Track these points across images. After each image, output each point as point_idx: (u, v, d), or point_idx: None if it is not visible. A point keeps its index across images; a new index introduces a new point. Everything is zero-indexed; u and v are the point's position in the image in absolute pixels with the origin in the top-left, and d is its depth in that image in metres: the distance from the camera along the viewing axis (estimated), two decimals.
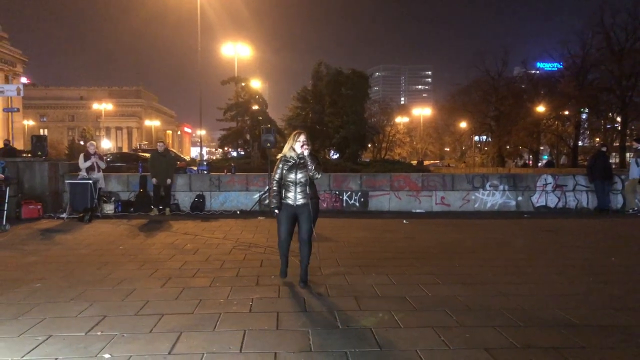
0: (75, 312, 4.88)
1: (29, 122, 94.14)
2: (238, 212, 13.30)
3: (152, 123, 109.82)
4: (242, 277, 6.35)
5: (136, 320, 4.66)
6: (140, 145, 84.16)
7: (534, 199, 13.92)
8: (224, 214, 13.09)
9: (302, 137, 5.77)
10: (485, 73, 53.09)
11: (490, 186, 13.89)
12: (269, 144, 13.03)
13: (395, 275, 6.39)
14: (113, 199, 13.26)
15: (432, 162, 74.10)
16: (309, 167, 5.67)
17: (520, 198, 13.90)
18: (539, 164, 54.87)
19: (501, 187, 13.88)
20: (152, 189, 13.05)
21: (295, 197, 5.80)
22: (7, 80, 62.58)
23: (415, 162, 50.58)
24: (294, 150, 5.82)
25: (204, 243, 8.80)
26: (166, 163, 12.84)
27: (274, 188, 5.89)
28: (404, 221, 11.68)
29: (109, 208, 13.07)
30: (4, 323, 4.60)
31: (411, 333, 4.34)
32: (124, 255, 7.75)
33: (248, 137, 31.97)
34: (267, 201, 13.14)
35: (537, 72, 57.52)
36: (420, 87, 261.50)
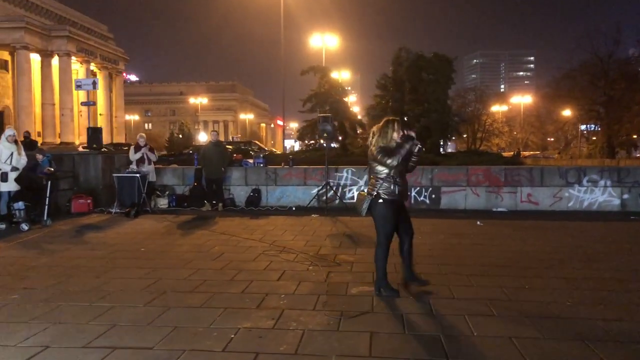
0: (18, 340, 3.99)
1: (135, 117, 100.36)
2: (293, 209, 12.23)
3: (247, 116, 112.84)
4: (247, 294, 5.21)
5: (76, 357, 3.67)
6: (233, 138, 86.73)
7: None
8: (278, 210, 12.08)
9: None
10: (594, 55, 47.86)
11: (588, 181, 11.69)
12: (325, 134, 11.83)
13: (442, 301, 4.94)
14: (167, 192, 12.76)
15: (532, 153, 69.05)
16: (414, 158, 5.26)
17: (626, 196, 11.58)
18: None
19: (602, 183, 11.63)
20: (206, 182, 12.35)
21: (402, 189, 5.17)
22: (110, 77, 66.61)
23: (512, 153, 46.93)
24: (393, 139, 5.14)
25: (235, 246, 7.79)
26: (219, 154, 12.09)
27: (385, 179, 5.10)
28: (478, 222, 9.98)
29: (162, 202, 12.57)
30: None
31: None
32: (139, 259, 6.93)
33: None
34: (324, 197, 11.99)
35: None
36: (521, 73, 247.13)
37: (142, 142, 12.06)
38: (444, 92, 27.35)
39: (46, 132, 56.76)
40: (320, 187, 12.27)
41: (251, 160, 13.81)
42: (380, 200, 5.07)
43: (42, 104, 56.83)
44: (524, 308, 4.73)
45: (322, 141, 35.75)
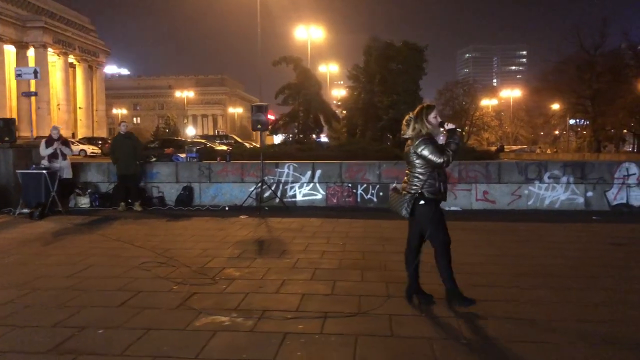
0: None
1: (123, 111, 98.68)
2: (227, 208, 11.05)
3: (236, 110, 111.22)
4: (57, 328, 4.02)
5: None
6: (218, 132, 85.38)
7: (611, 195, 10.42)
8: (210, 210, 10.90)
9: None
10: (580, 48, 46.84)
11: (549, 177, 10.56)
12: (259, 126, 10.62)
13: (306, 337, 3.78)
14: (89, 190, 11.52)
15: (519, 147, 68.11)
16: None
17: (590, 193, 10.45)
18: None
19: (564, 179, 10.50)
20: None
21: (445, 187, 4.57)
22: (91, 70, 65.03)
23: (495, 148, 45.85)
24: (430, 123, 4.46)
25: (114, 256, 6.59)
26: (131, 148, 10.85)
27: (430, 175, 4.42)
28: None
29: (83, 202, 11.36)
30: None
31: None
32: None
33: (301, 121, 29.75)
34: (263, 195, 10.83)
35: None
36: (514, 68, 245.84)
37: (55, 135, 10.81)
38: (414, 83, 26.12)
39: (22, 126, 54.73)
40: (257, 184, 11.08)
41: (183, 155, 12.57)
42: (422, 202, 4.43)
43: (18, 97, 55.23)
44: (407, 345, 3.58)
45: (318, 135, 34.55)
